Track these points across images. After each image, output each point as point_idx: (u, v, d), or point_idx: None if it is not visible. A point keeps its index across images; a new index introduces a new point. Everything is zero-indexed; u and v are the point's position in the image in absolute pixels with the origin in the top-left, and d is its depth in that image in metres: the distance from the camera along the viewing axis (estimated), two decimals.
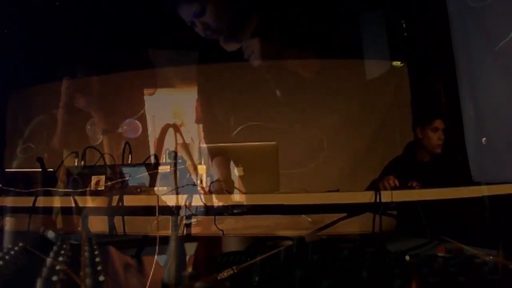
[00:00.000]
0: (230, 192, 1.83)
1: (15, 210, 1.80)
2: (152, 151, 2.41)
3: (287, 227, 1.85)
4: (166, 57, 2.63)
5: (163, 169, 1.78)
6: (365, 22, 2.54)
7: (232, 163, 1.88)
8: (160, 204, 1.60)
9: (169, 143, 2.01)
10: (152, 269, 1.26)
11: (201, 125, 2.52)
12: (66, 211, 1.79)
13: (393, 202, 1.68)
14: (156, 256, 1.30)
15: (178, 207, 1.64)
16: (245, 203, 1.77)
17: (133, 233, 1.74)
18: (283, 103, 2.42)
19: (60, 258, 1.12)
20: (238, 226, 1.84)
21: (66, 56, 2.75)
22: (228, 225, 1.80)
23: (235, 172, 1.86)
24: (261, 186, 1.87)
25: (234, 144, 2.02)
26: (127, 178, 1.82)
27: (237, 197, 1.79)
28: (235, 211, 1.77)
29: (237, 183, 1.85)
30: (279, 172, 1.93)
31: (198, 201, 1.73)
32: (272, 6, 2.34)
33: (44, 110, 2.82)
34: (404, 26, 2.69)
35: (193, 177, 1.83)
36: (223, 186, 1.85)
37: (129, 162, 1.99)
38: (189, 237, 1.72)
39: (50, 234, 1.51)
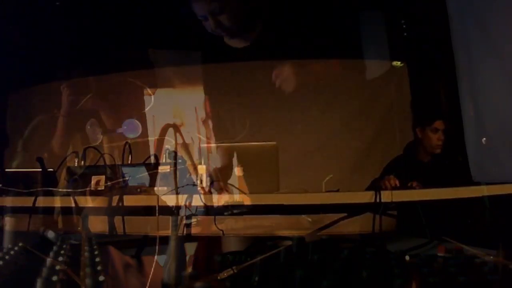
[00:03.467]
0: (230, 192, 1.83)
1: (15, 210, 1.80)
2: (152, 151, 2.41)
3: (287, 227, 1.85)
4: (166, 57, 2.63)
5: (163, 169, 1.78)
6: (365, 22, 2.54)
7: (232, 163, 1.89)
8: (160, 204, 1.60)
9: (169, 143, 2.01)
10: (152, 269, 1.26)
11: (200, 125, 2.53)
12: (66, 211, 1.79)
13: (393, 202, 1.68)
14: (156, 256, 1.30)
15: (178, 207, 1.64)
16: (245, 203, 1.76)
17: (133, 233, 1.74)
18: (284, 103, 2.42)
19: (60, 258, 1.12)
20: (238, 226, 1.84)
21: (66, 56, 2.75)
22: (228, 225, 1.80)
23: (235, 172, 1.86)
24: (261, 186, 1.87)
25: (234, 144, 2.02)
26: (127, 178, 1.82)
27: (237, 197, 1.79)
28: (235, 211, 1.77)
29: (237, 183, 1.85)
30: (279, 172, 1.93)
31: (198, 201, 1.72)
32: (277, 8, 2.35)
33: (44, 110, 2.83)
34: (404, 26, 2.70)
35: (193, 177, 1.83)
36: (223, 186, 1.85)
37: (129, 162, 1.99)
38: (189, 237, 1.72)
39: (50, 234, 1.51)
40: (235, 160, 1.88)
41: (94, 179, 1.82)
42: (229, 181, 1.86)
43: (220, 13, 2.20)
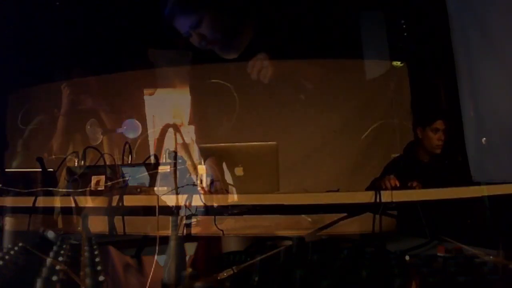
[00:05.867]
0: (230, 192, 1.83)
1: (15, 210, 1.80)
2: (152, 151, 2.41)
3: (287, 227, 1.85)
4: (166, 57, 2.63)
5: (163, 169, 1.78)
6: (365, 22, 2.54)
7: (232, 163, 1.88)
8: (160, 204, 1.60)
9: (169, 143, 2.01)
10: (152, 269, 1.26)
11: (201, 125, 2.53)
12: (66, 211, 1.79)
13: (393, 202, 1.68)
14: (156, 256, 1.30)
15: (178, 207, 1.64)
16: (245, 203, 1.76)
17: (133, 233, 1.74)
18: (284, 103, 2.42)
19: (60, 258, 1.12)
20: (238, 226, 1.84)
21: (66, 56, 2.75)
22: (228, 225, 1.80)
23: (235, 172, 1.86)
24: (261, 186, 1.87)
25: (234, 144, 2.02)
26: (127, 178, 1.82)
27: (237, 197, 1.79)
28: (235, 211, 1.77)
29: (237, 183, 1.85)
30: (279, 172, 1.93)
31: (198, 201, 1.72)
32: (269, 12, 2.32)
33: (44, 110, 2.83)
34: (404, 26, 2.70)
35: (193, 177, 1.83)
36: (223, 186, 1.85)
37: (129, 162, 1.99)
38: (189, 237, 1.72)
39: (50, 234, 1.51)
40: (235, 160, 1.88)
41: (94, 179, 1.82)
42: (229, 181, 1.86)
43: (199, 26, 2.16)
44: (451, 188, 1.68)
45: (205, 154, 1.93)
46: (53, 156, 2.51)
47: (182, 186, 1.67)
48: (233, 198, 1.80)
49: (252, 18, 2.30)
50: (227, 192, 1.82)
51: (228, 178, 1.88)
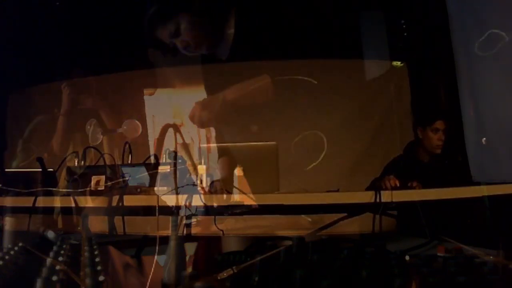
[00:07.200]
0: (230, 192, 1.83)
1: (15, 210, 1.80)
2: (152, 151, 2.41)
3: (287, 227, 1.85)
4: (166, 57, 2.63)
5: (163, 169, 1.78)
6: (365, 22, 2.54)
7: (232, 163, 1.88)
8: (160, 204, 1.60)
9: (169, 143, 2.01)
10: (152, 269, 1.26)
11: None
12: (66, 211, 1.79)
13: (393, 202, 1.68)
14: (156, 256, 1.30)
15: (178, 207, 1.64)
16: (245, 203, 1.77)
17: (133, 233, 1.74)
18: (284, 103, 2.41)
19: (60, 258, 1.12)
20: (238, 226, 1.84)
21: (66, 56, 2.75)
22: (228, 225, 1.80)
23: (235, 172, 1.86)
24: (261, 186, 1.87)
25: (234, 144, 2.02)
26: (127, 178, 1.82)
27: (237, 197, 1.79)
28: (235, 211, 1.77)
29: (237, 183, 1.85)
30: (279, 172, 1.93)
31: (198, 201, 1.72)
32: (265, 12, 2.28)
33: (44, 110, 2.83)
34: (404, 26, 2.70)
35: (193, 177, 1.83)
36: (223, 186, 1.85)
37: (129, 162, 1.99)
38: (189, 237, 1.72)
39: (50, 234, 1.51)
40: (235, 160, 1.88)
41: (94, 179, 1.83)
42: (229, 181, 1.86)
43: (179, 34, 2.11)
44: (451, 188, 1.68)
45: (208, 154, 1.93)
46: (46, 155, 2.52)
47: (182, 186, 1.67)
48: (233, 198, 1.80)
49: (231, 17, 2.24)
50: (227, 192, 1.82)
51: (228, 177, 1.88)
